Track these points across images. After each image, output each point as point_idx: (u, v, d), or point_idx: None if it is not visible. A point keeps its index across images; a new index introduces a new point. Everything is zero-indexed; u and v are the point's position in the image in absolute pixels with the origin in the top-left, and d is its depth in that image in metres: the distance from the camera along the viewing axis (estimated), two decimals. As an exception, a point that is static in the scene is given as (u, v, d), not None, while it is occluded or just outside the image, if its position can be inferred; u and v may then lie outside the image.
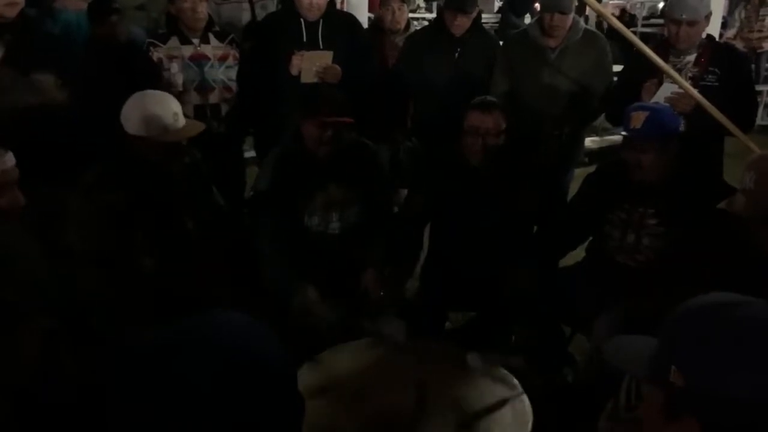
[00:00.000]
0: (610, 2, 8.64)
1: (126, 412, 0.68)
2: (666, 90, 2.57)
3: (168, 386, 0.67)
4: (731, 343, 0.71)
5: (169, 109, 2.07)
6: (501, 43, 3.39)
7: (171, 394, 0.67)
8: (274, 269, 2.28)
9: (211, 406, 0.67)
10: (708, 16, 2.66)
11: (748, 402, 0.68)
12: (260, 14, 3.45)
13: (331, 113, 2.26)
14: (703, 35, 2.70)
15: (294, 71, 2.87)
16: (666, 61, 2.63)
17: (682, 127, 2.32)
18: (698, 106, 2.48)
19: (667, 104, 2.44)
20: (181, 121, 2.11)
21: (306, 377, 1.74)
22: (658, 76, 2.62)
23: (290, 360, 0.76)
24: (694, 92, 2.48)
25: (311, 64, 2.85)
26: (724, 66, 2.63)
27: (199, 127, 2.16)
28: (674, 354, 0.75)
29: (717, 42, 2.90)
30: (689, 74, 2.65)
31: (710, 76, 2.62)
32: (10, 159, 1.57)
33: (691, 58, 2.67)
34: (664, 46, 2.75)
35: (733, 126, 2.49)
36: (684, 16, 2.58)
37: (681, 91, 2.51)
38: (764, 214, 1.59)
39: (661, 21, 7.41)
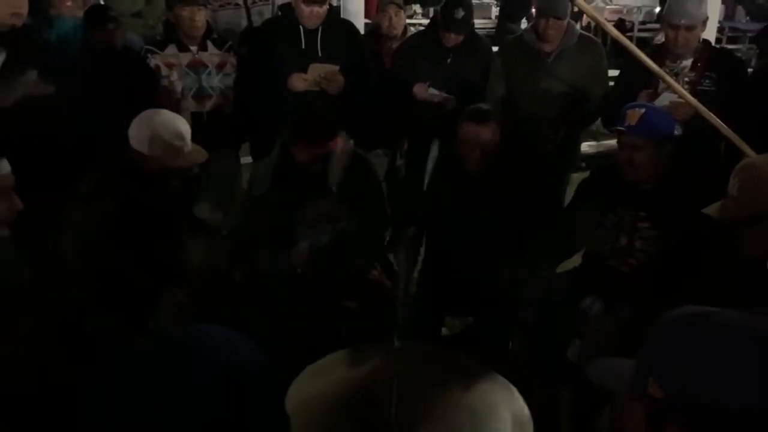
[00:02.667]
0: (607, 8, 8.67)
1: (103, 424, 0.67)
2: (664, 99, 2.57)
3: (147, 400, 0.67)
4: (704, 351, 0.72)
5: (176, 133, 2.03)
6: (497, 48, 3.40)
7: (150, 408, 0.66)
8: (269, 261, 2.29)
9: (191, 419, 0.66)
10: (705, 21, 2.68)
11: (726, 408, 0.69)
12: (257, 20, 3.46)
13: (319, 137, 2.25)
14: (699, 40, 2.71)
15: (293, 88, 2.85)
16: (662, 65, 2.63)
17: (679, 131, 2.33)
18: (696, 113, 2.47)
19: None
20: (188, 144, 2.07)
21: (301, 388, 1.74)
22: (653, 84, 2.62)
23: (275, 374, 0.75)
24: (690, 96, 2.48)
25: (316, 75, 2.85)
26: (721, 70, 2.64)
27: (203, 155, 2.13)
28: (650, 367, 0.76)
29: (713, 46, 2.90)
30: (686, 79, 2.66)
31: (707, 81, 2.63)
32: (5, 166, 1.58)
33: (687, 62, 2.68)
34: (660, 50, 2.76)
35: (730, 131, 2.48)
36: (683, 21, 2.60)
37: (679, 100, 2.51)
38: (746, 220, 1.62)
39: (657, 26, 7.45)
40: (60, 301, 1.53)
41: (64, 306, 1.55)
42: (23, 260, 1.40)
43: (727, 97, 2.56)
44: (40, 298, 1.23)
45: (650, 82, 2.66)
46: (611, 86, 3.09)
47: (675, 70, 2.68)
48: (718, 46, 3.84)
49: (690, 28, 2.61)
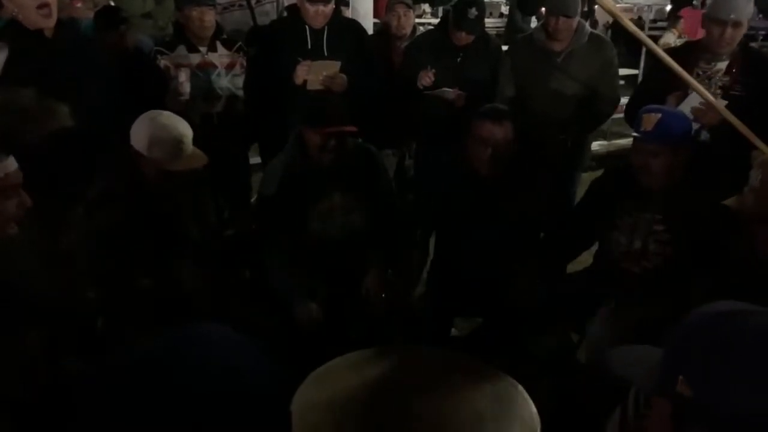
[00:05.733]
0: (618, 6, 8.62)
1: (105, 425, 0.67)
2: (693, 101, 2.45)
3: (149, 401, 0.67)
4: (740, 354, 0.70)
5: (177, 135, 2.01)
6: (507, 47, 3.39)
7: (152, 408, 0.66)
8: (277, 280, 2.29)
9: (194, 421, 0.66)
10: (749, 19, 2.54)
11: (757, 413, 0.67)
12: (263, 20, 3.46)
13: (333, 123, 2.26)
14: None
15: (298, 81, 2.87)
16: (695, 66, 2.53)
17: (705, 137, 2.25)
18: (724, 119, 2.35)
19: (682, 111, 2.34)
20: (188, 147, 2.06)
21: (310, 390, 1.74)
22: (682, 86, 2.49)
23: (279, 374, 0.75)
24: (711, 98, 2.37)
25: (318, 73, 2.86)
26: (757, 76, 2.52)
27: (202, 159, 2.11)
28: (681, 364, 0.74)
29: (750, 49, 2.72)
30: (719, 83, 2.54)
31: (739, 86, 2.51)
32: (12, 163, 1.58)
33: (723, 65, 2.56)
34: (695, 49, 2.63)
35: (759, 141, 2.28)
36: (732, 17, 2.47)
37: (710, 100, 2.38)
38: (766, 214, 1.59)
39: (666, 24, 7.38)
40: (69, 301, 1.54)
41: (73, 305, 1.56)
42: (33, 259, 1.41)
43: (759, 105, 2.43)
44: (49, 297, 1.24)
45: (678, 82, 2.49)
46: (638, 85, 3.00)
47: (708, 73, 2.58)
48: (755, 48, 3.37)
49: (737, 25, 2.48)
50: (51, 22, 2.32)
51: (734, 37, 2.51)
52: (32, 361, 1.04)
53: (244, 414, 0.68)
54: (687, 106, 2.46)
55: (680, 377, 0.73)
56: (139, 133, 2.01)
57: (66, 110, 2.15)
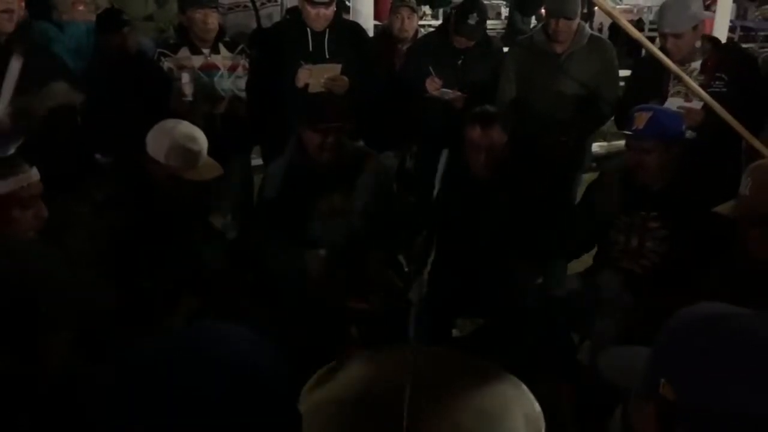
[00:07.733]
0: (617, 7, 8.64)
1: (117, 425, 0.68)
2: (671, 105, 2.54)
3: (161, 400, 0.67)
4: (722, 357, 0.71)
5: (195, 146, 2.05)
6: (507, 49, 3.40)
7: (164, 407, 0.67)
8: (277, 259, 2.30)
9: (205, 419, 0.67)
10: (696, 27, 2.62)
11: (740, 417, 0.68)
12: (266, 22, 3.48)
13: (331, 119, 2.27)
14: (698, 44, 2.66)
15: (300, 84, 2.89)
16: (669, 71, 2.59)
17: (691, 135, 2.29)
18: (707, 116, 2.44)
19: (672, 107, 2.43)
20: (203, 158, 2.10)
21: (311, 391, 1.75)
22: (663, 88, 2.61)
23: (288, 373, 0.76)
24: (706, 95, 2.42)
25: (319, 76, 2.88)
26: (732, 69, 2.60)
27: (217, 170, 2.14)
28: (664, 367, 0.75)
29: (723, 45, 2.84)
30: (696, 82, 2.59)
31: (717, 83, 2.59)
32: (35, 173, 1.60)
33: (697, 65, 2.64)
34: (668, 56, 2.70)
35: (747, 132, 2.39)
36: (667, 30, 2.60)
37: (687, 105, 2.50)
38: (758, 219, 1.61)
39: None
40: (84, 304, 1.54)
41: (88, 309, 1.57)
42: (51, 259, 1.41)
43: (739, 97, 2.52)
44: (68, 298, 1.24)
45: (660, 85, 2.63)
46: (624, 88, 3.06)
47: (685, 73, 2.62)
48: (728, 43, 3.54)
49: (677, 36, 2.58)
50: (10, 28, 2.32)
51: (680, 46, 2.59)
52: (48, 361, 1.05)
53: (258, 412, 0.69)
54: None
55: (663, 380, 0.74)
56: (158, 142, 2.04)
57: (63, 86, 2.15)
